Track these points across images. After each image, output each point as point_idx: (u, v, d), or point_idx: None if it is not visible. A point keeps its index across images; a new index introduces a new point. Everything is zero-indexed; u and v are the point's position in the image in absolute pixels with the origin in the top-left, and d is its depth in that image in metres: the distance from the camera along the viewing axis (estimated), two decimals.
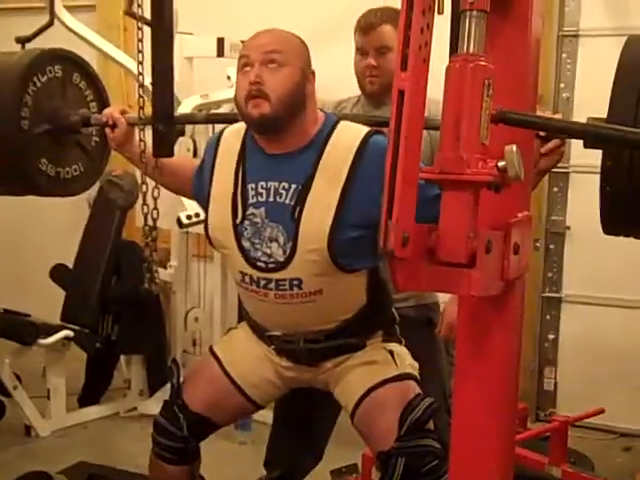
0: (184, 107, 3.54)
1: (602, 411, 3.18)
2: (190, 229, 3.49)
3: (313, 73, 1.98)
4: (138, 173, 2.93)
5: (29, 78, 2.54)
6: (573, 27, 3.78)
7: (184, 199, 3.28)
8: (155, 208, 2.21)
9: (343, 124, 1.98)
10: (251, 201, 1.96)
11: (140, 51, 2.21)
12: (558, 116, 1.91)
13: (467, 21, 1.20)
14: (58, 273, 3.97)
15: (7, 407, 3.62)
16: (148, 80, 2.21)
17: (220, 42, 3.62)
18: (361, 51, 2.43)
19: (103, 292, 3.77)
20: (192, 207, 3.17)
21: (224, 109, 3.83)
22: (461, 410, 1.41)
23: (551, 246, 3.93)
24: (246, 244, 1.96)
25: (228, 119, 2.24)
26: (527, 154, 1.23)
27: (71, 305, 3.85)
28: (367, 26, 2.40)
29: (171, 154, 2.22)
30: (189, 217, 3.15)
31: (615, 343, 3.77)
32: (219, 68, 3.75)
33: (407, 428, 1.91)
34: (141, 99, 2.24)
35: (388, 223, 1.10)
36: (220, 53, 3.65)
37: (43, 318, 3.72)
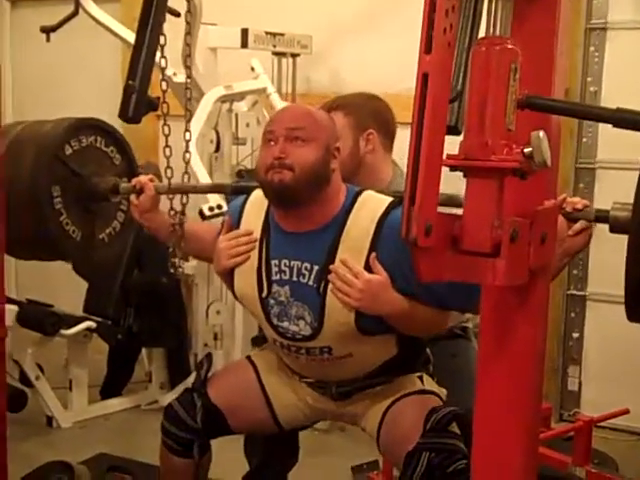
0: (208, 98, 3.53)
1: (627, 411, 3.13)
2: (212, 221, 3.47)
3: (338, 149, 1.96)
4: (161, 165, 2.93)
5: (80, 129, 2.66)
6: (601, 20, 3.71)
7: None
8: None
9: (365, 195, 1.94)
10: (275, 278, 1.96)
11: (162, 46, 2.31)
12: None
13: (493, 4, 1.17)
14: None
15: (29, 397, 3.64)
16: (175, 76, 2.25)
17: (244, 33, 3.61)
18: None
19: (125, 284, 3.78)
20: (214, 199, 3.16)
21: (248, 100, 3.82)
22: (484, 407, 1.38)
23: None
24: (274, 319, 1.98)
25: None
26: (553, 140, 1.20)
27: (93, 297, 3.87)
28: None
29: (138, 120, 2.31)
30: (211, 209, 3.13)
31: None
32: (243, 59, 3.74)
33: (431, 426, 1.88)
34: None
35: (410, 210, 1.08)
36: (244, 44, 3.64)
37: (66, 309, 3.73)
